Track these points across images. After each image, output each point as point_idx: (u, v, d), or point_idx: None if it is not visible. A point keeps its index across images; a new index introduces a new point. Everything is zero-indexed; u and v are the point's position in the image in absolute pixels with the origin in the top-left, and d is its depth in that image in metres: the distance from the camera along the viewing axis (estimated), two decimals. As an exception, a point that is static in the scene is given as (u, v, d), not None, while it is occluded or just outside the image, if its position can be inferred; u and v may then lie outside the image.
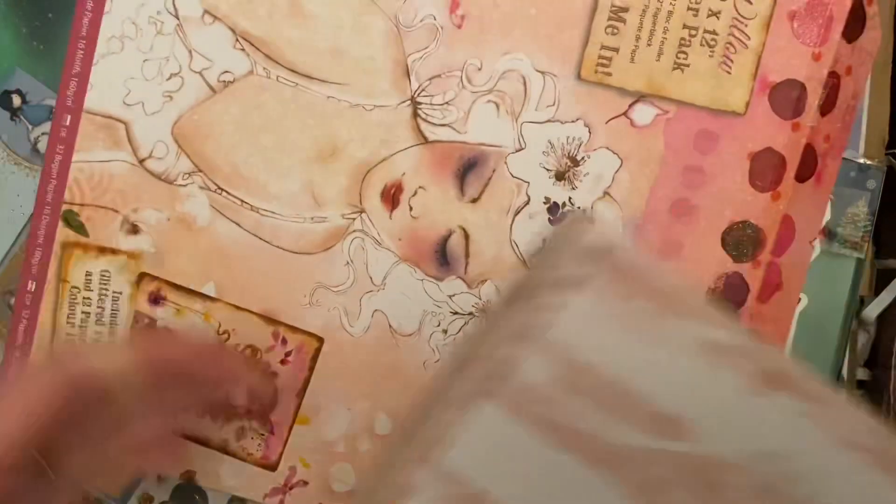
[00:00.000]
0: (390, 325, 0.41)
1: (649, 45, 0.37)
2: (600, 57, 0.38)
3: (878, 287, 0.47)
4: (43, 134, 0.43)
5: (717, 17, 0.37)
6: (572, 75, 0.38)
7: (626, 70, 0.38)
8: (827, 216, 0.42)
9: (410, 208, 0.40)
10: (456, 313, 0.40)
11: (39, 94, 0.43)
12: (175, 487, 0.44)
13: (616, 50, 0.38)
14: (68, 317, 0.42)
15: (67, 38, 0.41)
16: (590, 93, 0.38)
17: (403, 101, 0.39)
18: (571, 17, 0.38)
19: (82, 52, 0.40)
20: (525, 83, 0.38)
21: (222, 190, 0.41)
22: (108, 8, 0.40)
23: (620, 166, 0.38)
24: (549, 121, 0.39)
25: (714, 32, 0.37)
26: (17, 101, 0.43)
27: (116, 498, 0.44)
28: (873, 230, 0.42)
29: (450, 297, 0.40)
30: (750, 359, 0.25)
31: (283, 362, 0.41)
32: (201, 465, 0.43)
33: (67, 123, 0.41)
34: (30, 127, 0.43)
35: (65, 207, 0.41)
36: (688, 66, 0.37)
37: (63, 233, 0.42)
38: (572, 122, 0.38)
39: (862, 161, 0.42)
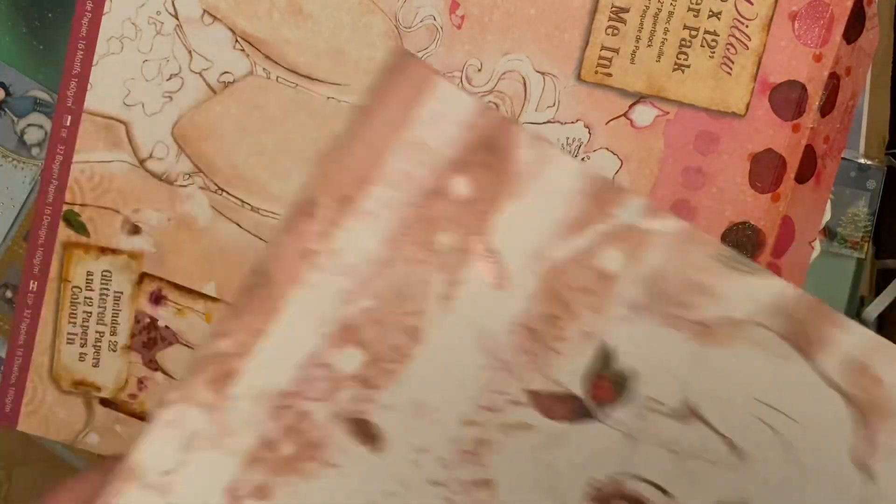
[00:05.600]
0: (390, 325, 0.41)
1: (649, 45, 0.37)
2: (600, 58, 0.38)
3: (878, 287, 0.47)
4: (29, 125, 0.43)
5: (718, 18, 0.37)
6: (572, 76, 0.38)
7: (627, 71, 0.38)
8: (827, 216, 0.42)
9: (410, 209, 0.40)
10: (456, 313, 0.40)
11: (23, 86, 0.43)
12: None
13: (616, 51, 0.38)
14: (70, 316, 0.42)
15: (67, 38, 0.41)
16: (590, 94, 0.38)
17: (403, 102, 0.39)
18: (571, 18, 0.38)
19: (82, 52, 0.40)
20: (525, 84, 0.38)
21: (223, 190, 0.41)
22: (108, 8, 0.40)
23: (620, 167, 0.38)
24: (548, 122, 0.38)
25: (714, 33, 0.37)
26: (0, 94, 0.43)
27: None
28: (873, 230, 0.42)
29: (450, 297, 0.40)
30: None
31: (283, 362, 0.42)
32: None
33: (68, 124, 0.41)
34: (15, 119, 0.43)
35: (66, 208, 0.41)
36: (688, 66, 0.37)
37: (64, 233, 0.42)
38: (572, 122, 0.38)
39: (862, 161, 0.42)
